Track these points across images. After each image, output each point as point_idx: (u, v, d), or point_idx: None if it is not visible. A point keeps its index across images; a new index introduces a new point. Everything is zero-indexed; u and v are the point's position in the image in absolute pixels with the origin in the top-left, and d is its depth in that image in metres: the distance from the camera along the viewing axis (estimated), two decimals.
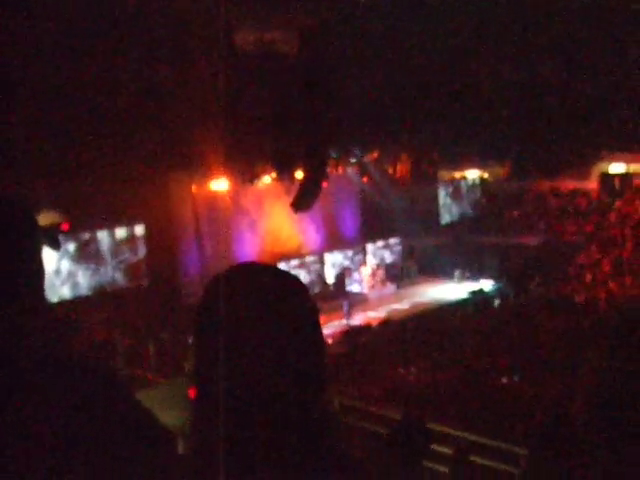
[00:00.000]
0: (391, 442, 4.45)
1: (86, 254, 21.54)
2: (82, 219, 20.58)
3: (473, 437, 8.72)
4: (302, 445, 1.30)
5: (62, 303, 20.34)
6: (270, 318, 1.27)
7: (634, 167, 29.34)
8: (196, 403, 1.33)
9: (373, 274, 27.31)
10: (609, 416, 0.85)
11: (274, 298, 1.30)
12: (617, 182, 29.27)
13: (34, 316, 1.58)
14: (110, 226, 21.88)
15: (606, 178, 29.51)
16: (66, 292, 20.92)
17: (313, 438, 1.31)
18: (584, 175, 29.86)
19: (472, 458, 6.52)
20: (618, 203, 28.18)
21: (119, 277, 22.18)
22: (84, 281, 21.42)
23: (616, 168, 29.43)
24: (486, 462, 8.12)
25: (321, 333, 1.38)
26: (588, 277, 24.69)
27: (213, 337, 1.27)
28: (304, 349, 1.30)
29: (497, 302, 24.13)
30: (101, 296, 21.18)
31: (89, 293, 21.37)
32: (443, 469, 6.98)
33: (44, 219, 20.15)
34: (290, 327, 1.29)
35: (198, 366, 1.32)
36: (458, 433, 8.80)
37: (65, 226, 20.57)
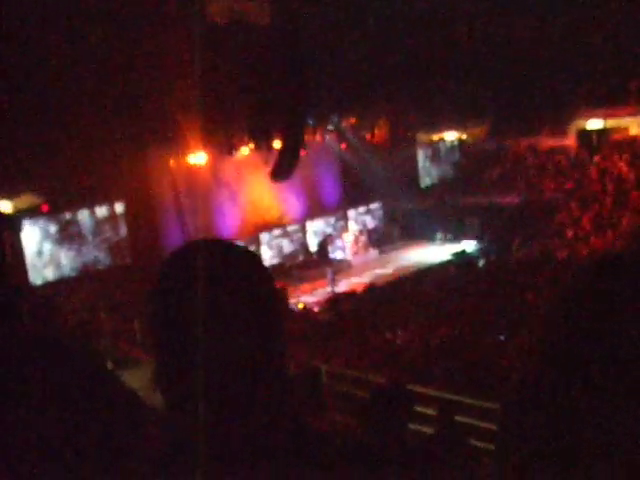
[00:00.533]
0: (373, 405, 4.50)
1: (68, 235, 21.45)
2: (62, 200, 20.49)
3: (458, 398, 8.81)
4: (260, 420, 1.30)
5: (46, 285, 20.32)
6: (226, 295, 1.26)
7: (611, 123, 29.40)
8: (160, 384, 1.34)
9: (356, 240, 27.35)
10: (558, 371, 0.85)
11: (230, 275, 1.30)
12: (595, 138, 29.34)
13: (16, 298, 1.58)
14: (90, 205, 21.77)
15: (584, 134, 29.57)
16: (49, 274, 20.87)
17: (272, 412, 1.32)
18: (562, 132, 29.91)
19: (457, 418, 6.60)
20: (596, 159, 28.26)
21: (102, 257, 22.11)
22: (67, 262, 21.35)
23: (593, 124, 29.47)
24: (472, 421, 8.22)
25: (279, 307, 1.38)
26: (569, 234, 24.80)
27: (169, 318, 1.27)
28: (263, 325, 1.30)
29: (480, 262, 24.26)
30: (85, 276, 21.14)
31: (72, 274, 21.31)
32: (430, 430, 7.07)
33: (23, 201, 20.08)
34: (247, 302, 1.29)
35: (156, 347, 1.32)
36: (443, 395, 8.89)
37: (44, 207, 20.49)
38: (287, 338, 1.37)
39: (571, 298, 0.87)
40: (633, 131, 28.94)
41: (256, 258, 1.39)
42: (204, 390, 1.24)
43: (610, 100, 27.50)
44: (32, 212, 20.32)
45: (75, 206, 21.35)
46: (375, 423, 4.43)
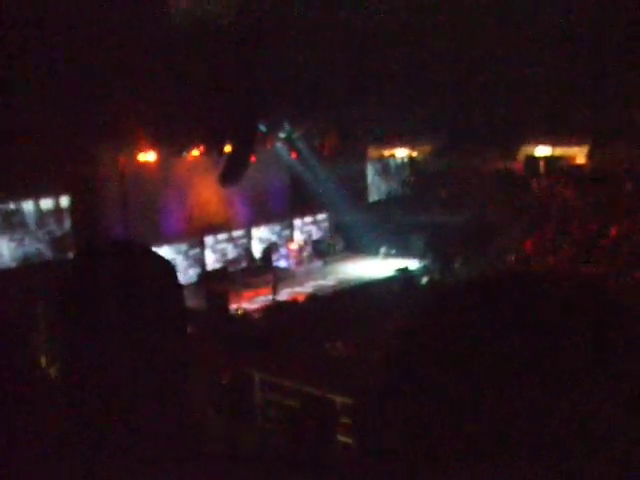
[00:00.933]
0: (301, 415, 4.53)
1: (11, 225, 21.14)
2: (7, 188, 20.21)
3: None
4: (161, 424, 1.31)
5: None
6: (132, 296, 1.27)
7: (560, 151, 29.87)
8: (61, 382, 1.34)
9: (300, 250, 27.36)
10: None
11: (136, 276, 1.30)
12: (542, 164, 29.80)
13: None
14: (35, 197, 21.48)
15: (531, 160, 30.02)
16: None
17: (172, 418, 1.33)
18: (510, 157, 30.30)
19: None
20: (542, 185, 28.67)
21: (44, 249, 21.81)
22: (7, 252, 21.04)
23: (542, 151, 29.92)
24: None
25: (183, 310, 1.39)
26: (511, 257, 25.10)
27: (74, 318, 1.27)
28: (167, 326, 1.31)
29: (422, 280, 24.42)
30: (25, 267, 20.82)
31: (12, 264, 20.99)
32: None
33: None
34: (153, 303, 1.29)
35: (59, 346, 1.33)
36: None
37: None
38: (189, 343, 1.38)
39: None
40: (579, 160, 29.45)
41: (162, 261, 1.39)
42: (101, 389, 1.25)
43: (558, 128, 27.94)
44: None
45: (21, 196, 21.05)
46: (303, 433, 4.46)
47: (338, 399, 7.75)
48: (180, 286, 1.39)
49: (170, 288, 1.36)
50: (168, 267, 1.40)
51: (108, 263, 1.29)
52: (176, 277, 1.40)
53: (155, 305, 1.30)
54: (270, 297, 22.74)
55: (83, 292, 1.27)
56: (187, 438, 1.35)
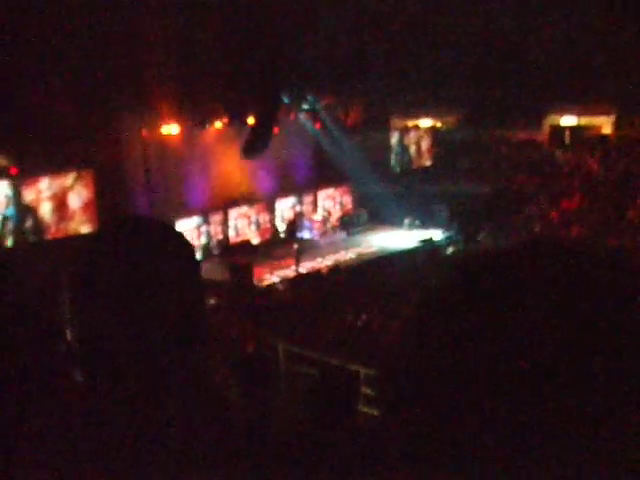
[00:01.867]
0: (321, 385, 4.51)
1: (35, 200, 21.23)
2: (30, 163, 20.29)
3: None
4: (179, 397, 1.30)
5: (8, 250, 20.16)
6: (148, 274, 1.25)
7: (585, 120, 29.62)
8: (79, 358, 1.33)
9: (324, 221, 27.38)
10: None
11: (153, 253, 1.29)
12: (567, 134, 29.57)
13: None
14: (58, 170, 21.53)
15: (557, 130, 29.79)
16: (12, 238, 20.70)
17: (190, 393, 1.31)
18: (535, 126, 30.08)
19: None
20: (568, 155, 28.47)
21: (65, 225, 21.87)
22: (31, 227, 21.17)
23: (567, 120, 29.67)
24: None
25: (201, 289, 1.38)
26: (536, 227, 24.99)
27: (88, 292, 1.26)
28: (184, 305, 1.29)
29: (447, 251, 24.39)
30: (48, 243, 20.94)
31: (35, 240, 21.11)
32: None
33: None
34: (170, 282, 1.28)
35: (77, 322, 1.31)
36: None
37: (13, 170, 20.30)
38: (207, 321, 1.37)
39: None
40: (605, 130, 29.18)
41: (180, 238, 1.38)
42: (122, 364, 1.24)
43: (584, 98, 27.68)
44: (0, 174, 20.14)
45: (43, 170, 21.10)
46: (323, 403, 4.44)
47: (362, 370, 7.76)
48: (197, 262, 1.38)
49: (187, 264, 1.34)
50: (185, 243, 1.38)
51: (125, 239, 1.28)
52: (193, 253, 1.39)
53: (172, 281, 1.29)
54: (293, 268, 22.78)
55: (99, 268, 1.26)
56: (206, 411, 1.34)
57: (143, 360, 1.24)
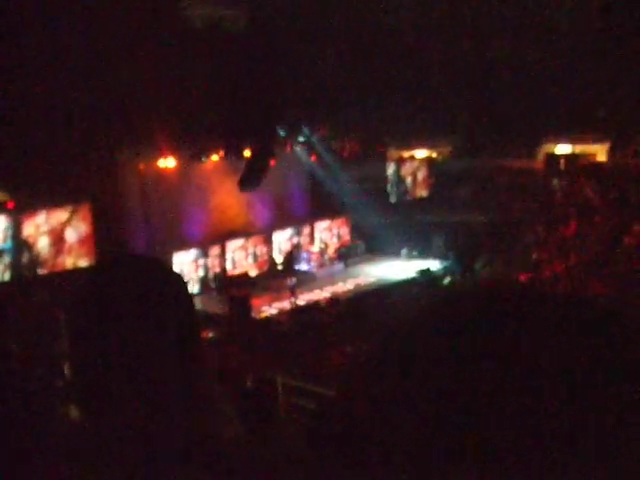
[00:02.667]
0: (319, 419, 4.50)
1: (30, 234, 21.22)
2: (28, 197, 20.32)
3: None
4: (178, 432, 1.31)
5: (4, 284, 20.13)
6: (146, 310, 1.27)
7: (580, 148, 29.75)
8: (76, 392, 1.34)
9: (321, 253, 27.38)
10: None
11: (149, 290, 1.30)
12: (562, 162, 29.68)
13: None
14: (55, 205, 21.55)
15: (552, 158, 29.91)
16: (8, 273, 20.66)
17: (190, 425, 1.32)
18: (531, 155, 30.20)
19: None
20: (563, 183, 28.54)
21: (63, 257, 21.87)
22: (27, 261, 21.13)
23: (561, 149, 29.80)
24: None
25: (196, 322, 1.39)
26: (534, 255, 24.97)
27: (86, 329, 1.27)
28: (180, 339, 1.31)
29: (444, 281, 24.35)
30: (45, 277, 20.92)
31: (32, 274, 21.07)
32: None
33: None
34: (165, 317, 1.29)
35: (74, 356, 1.32)
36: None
37: (10, 204, 20.33)
38: (203, 355, 1.38)
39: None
40: (600, 157, 29.31)
41: (172, 274, 1.40)
42: (117, 397, 1.25)
43: (578, 126, 27.82)
44: None
45: (41, 204, 21.12)
46: (322, 436, 4.42)
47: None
48: (190, 297, 1.39)
49: (180, 300, 1.36)
50: (177, 280, 1.40)
51: (119, 275, 1.30)
52: (186, 289, 1.40)
53: (165, 316, 1.30)
54: (291, 300, 22.74)
55: (95, 304, 1.27)
56: (205, 444, 1.34)
57: (139, 391, 1.25)
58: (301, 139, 27.24)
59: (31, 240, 21.08)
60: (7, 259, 20.61)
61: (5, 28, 18.06)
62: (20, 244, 20.80)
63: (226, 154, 24.60)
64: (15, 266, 20.70)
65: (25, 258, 20.93)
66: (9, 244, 20.60)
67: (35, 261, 21.17)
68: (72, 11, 19.31)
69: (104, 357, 1.25)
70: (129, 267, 1.35)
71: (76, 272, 21.24)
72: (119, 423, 1.27)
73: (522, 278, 22.20)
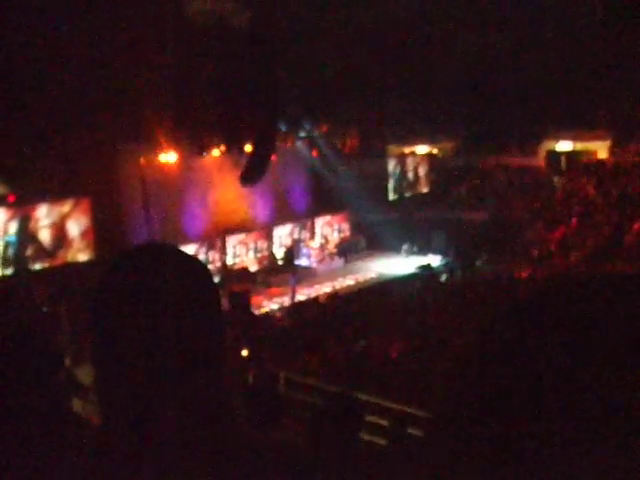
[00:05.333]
0: (324, 413, 4.49)
1: (30, 228, 21.20)
2: (28, 191, 20.31)
3: (411, 410, 8.85)
4: (197, 428, 1.30)
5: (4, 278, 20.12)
6: (170, 301, 1.26)
7: (581, 145, 29.76)
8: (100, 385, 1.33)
9: (321, 248, 27.38)
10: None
11: (174, 280, 1.28)
12: (563, 160, 29.69)
13: None
14: (56, 198, 21.53)
15: (552, 155, 29.92)
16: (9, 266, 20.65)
17: (209, 422, 1.31)
18: (532, 152, 30.21)
19: (409, 430, 6.62)
20: (564, 180, 28.56)
21: (63, 251, 21.85)
22: (29, 254, 21.13)
23: (562, 146, 29.81)
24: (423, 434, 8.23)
25: (221, 316, 1.37)
26: (534, 253, 24.98)
27: (111, 322, 1.26)
28: (203, 333, 1.30)
29: (444, 277, 24.35)
30: (46, 271, 20.92)
31: (33, 268, 21.06)
32: (382, 441, 7.10)
33: None
34: (190, 309, 1.28)
35: (97, 348, 1.31)
36: (397, 406, 8.92)
37: (11, 198, 20.33)
38: (225, 346, 1.37)
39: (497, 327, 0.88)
40: (601, 155, 29.31)
41: (199, 264, 1.38)
42: (141, 392, 1.24)
43: (579, 123, 27.82)
44: None
45: (41, 198, 21.11)
46: (326, 431, 4.42)
47: (363, 397, 7.75)
48: (216, 287, 1.38)
49: (207, 289, 1.34)
50: (203, 268, 1.39)
51: (144, 266, 1.28)
52: (212, 278, 1.38)
53: (193, 307, 1.29)
54: (291, 296, 22.74)
55: (120, 296, 1.26)
56: (221, 441, 1.34)
57: (164, 388, 1.24)
58: (302, 134, 27.21)
59: (31, 233, 21.05)
60: (7, 252, 20.57)
61: (9, 23, 18.05)
62: (20, 237, 20.77)
63: (227, 149, 24.56)
64: (15, 260, 20.68)
65: (25, 251, 20.91)
66: (9, 237, 20.57)
67: (35, 255, 21.14)
68: (77, 8, 19.29)
69: (129, 352, 1.24)
70: (155, 256, 1.33)
71: (76, 266, 21.25)
72: (140, 420, 1.26)
73: (523, 275, 22.19)
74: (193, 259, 1.40)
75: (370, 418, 7.27)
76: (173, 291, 1.26)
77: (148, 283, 1.25)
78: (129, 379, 1.24)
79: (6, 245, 20.50)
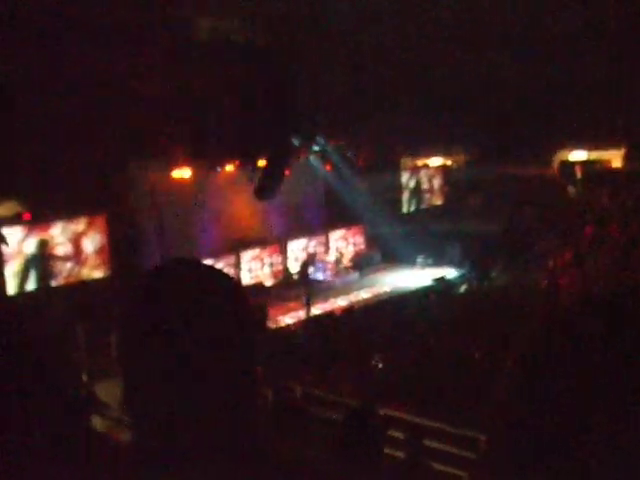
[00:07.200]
0: (346, 428, 4.48)
1: (46, 246, 21.27)
2: (43, 209, 20.39)
3: (431, 423, 8.81)
4: (230, 444, 1.29)
5: (22, 295, 20.18)
6: (201, 316, 1.25)
7: (595, 154, 29.66)
8: (130, 400, 1.33)
9: (336, 262, 27.37)
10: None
11: (205, 296, 1.29)
12: (577, 169, 29.59)
13: None
14: (71, 216, 21.61)
15: (566, 165, 29.82)
16: (28, 284, 20.71)
17: (241, 437, 1.31)
18: (546, 162, 30.13)
19: (428, 443, 6.59)
20: (577, 190, 28.46)
21: (78, 269, 21.91)
22: (45, 272, 21.19)
23: (576, 155, 29.71)
24: (443, 447, 8.21)
25: (252, 330, 1.37)
26: (550, 264, 24.86)
27: (144, 334, 1.26)
28: (234, 347, 1.29)
29: (460, 289, 24.28)
30: (62, 288, 20.99)
31: (50, 284, 21.13)
32: (400, 454, 7.06)
33: (5, 209, 20.00)
34: (221, 324, 1.28)
35: (128, 364, 1.31)
36: (416, 419, 8.88)
37: (27, 216, 20.42)
38: (259, 359, 1.37)
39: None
40: (615, 164, 29.20)
41: (231, 280, 1.39)
42: (172, 407, 1.24)
43: (593, 132, 27.74)
44: (13, 220, 20.24)
45: (56, 216, 21.19)
46: (348, 446, 4.41)
47: (382, 411, 7.70)
48: (248, 301, 1.38)
49: (239, 304, 1.34)
50: (234, 283, 1.39)
51: (178, 282, 1.29)
52: (242, 293, 1.38)
53: (227, 322, 1.29)
54: (307, 310, 22.72)
55: (156, 312, 1.26)
56: (251, 455, 1.34)
57: (196, 403, 1.24)
58: (316, 148, 27.23)
59: (47, 251, 21.13)
60: (25, 270, 20.66)
61: (21, 37, 18.19)
62: (37, 255, 20.85)
63: (241, 164, 24.60)
64: (33, 277, 20.76)
65: (42, 269, 20.98)
66: (25, 255, 20.65)
67: (51, 272, 21.21)
68: (88, 26, 19.41)
69: (161, 367, 1.24)
70: (188, 273, 1.33)
71: (92, 283, 21.32)
72: (173, 436, 1.26)
73: (539, 286, 22.09)
74: (222, 273, 1.40)
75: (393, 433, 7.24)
76: (207, 307, 1.26)
77: (184, 299, 1.25)
78: (162, 395, 1.24)
79: (23, 263, 20.59)
